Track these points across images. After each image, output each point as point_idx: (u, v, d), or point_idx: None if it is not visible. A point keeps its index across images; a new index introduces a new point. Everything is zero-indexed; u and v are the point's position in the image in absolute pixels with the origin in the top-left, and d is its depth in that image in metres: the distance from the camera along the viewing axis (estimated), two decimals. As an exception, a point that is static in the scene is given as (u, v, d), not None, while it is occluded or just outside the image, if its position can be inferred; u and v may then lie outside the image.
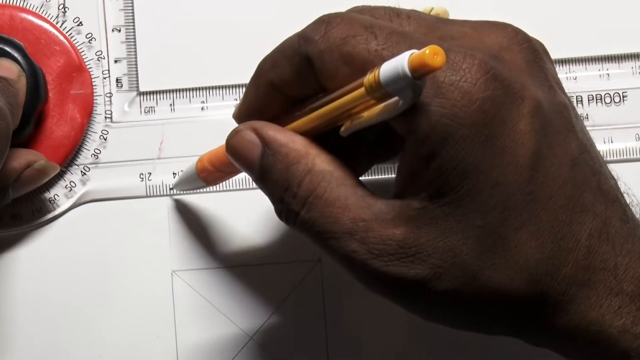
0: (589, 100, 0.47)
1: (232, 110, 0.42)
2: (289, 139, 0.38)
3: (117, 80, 0.48)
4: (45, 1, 0.47)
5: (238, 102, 0.41)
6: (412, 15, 0.38)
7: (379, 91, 0.34)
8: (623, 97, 0.47)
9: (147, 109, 0.48)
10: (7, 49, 0.45)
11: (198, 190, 0.47)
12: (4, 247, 0.47)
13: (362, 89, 0.34)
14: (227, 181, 0.46)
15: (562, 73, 0.47)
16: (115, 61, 0.48)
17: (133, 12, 0.48)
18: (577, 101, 0.47)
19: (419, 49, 0.33)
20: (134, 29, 0.48)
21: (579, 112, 0.47)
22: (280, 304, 0.47)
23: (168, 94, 0.48)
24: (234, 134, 0.39)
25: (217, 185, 0.47)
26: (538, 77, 0.37)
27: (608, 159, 0.47)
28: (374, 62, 0.35)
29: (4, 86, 0.43)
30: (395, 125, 0.36)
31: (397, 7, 0.39)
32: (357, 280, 0.37)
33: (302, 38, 0.37)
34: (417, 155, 0.35)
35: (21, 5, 0.47)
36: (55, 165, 0.45)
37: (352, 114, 0.36)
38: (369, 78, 0.34)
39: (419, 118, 0.35)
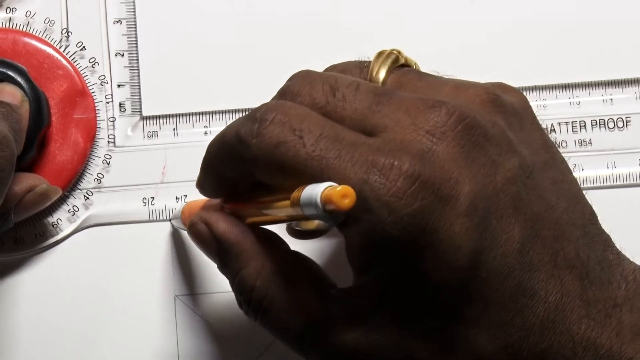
0: (592, 125, 0.47)
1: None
2: (239, 237, 0.38)
3: (120, 104, 0.48)
4: (49, 26, 0.47)
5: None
6: (347, 95, 0.36)
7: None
8: (626, 122, 0.47)
9: (150, 134, 0.47)
10: (11, 73, 0.45)
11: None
12: (6, 271, 0.47)
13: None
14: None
15: (565, 98, 0.47)
16: (119, 86, 0.48)
17: (136, 37, 0.48)
18: (580, 126, 0.47)
19: (344, 159, 0.33)
20: (137, 53, 0.48)
21: (583, 138, 0.47)
22: (283, 328, 0.47)
23: (171, 119, 0.48)
24: (191, 225, 0.39)
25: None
26: (475, 161, 0.34)
27: (611, 184, 0.47)
28: (304, 172, 0.34)
29: (8, 112, 0.43)
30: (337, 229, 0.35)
31: (340, 75, 0.37)
32: None
33: (237, 138, 0.36)
34: (356, 262, 0.35)
35: (24, 29, 0.47)
36: (57, 189, 0.45)
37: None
38: (293, 197, 0.33)
39: (352, 231, 0.34)
